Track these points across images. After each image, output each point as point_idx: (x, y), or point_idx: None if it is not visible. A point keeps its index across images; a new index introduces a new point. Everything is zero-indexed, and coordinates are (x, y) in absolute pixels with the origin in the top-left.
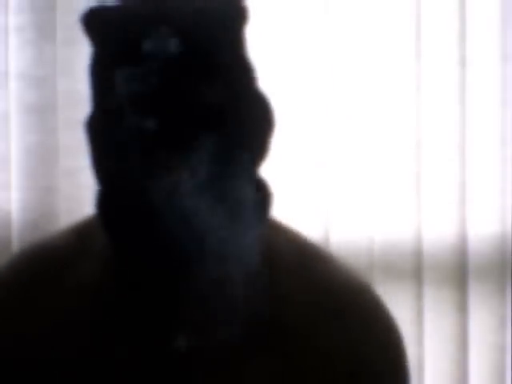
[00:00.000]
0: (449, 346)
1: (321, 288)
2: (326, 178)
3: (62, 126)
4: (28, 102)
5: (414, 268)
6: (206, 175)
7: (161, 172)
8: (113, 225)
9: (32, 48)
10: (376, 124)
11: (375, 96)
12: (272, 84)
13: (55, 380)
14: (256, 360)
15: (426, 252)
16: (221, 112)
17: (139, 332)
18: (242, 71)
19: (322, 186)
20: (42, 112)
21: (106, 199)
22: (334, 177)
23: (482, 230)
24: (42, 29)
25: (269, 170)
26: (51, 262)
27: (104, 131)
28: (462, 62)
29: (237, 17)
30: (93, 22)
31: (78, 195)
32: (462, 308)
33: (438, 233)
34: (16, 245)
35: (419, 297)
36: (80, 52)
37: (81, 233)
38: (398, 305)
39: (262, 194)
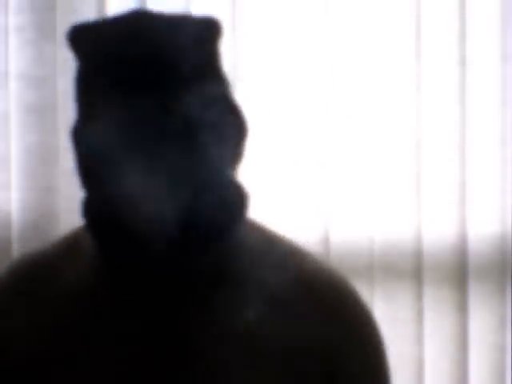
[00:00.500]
0: (449, 346)
1: (297, 278)
2: (325, 177)
3: (62, 126)
4: (28, 102)
5: (414, 268)
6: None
7: (145, 180)
8: (100, 231)
9: (32, 48)
10: (376, 124)
11: (375, 96)
12: (272, 84)
13: (45, 382)
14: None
15: (426, 252)
16: (195, 123)
17: (129, 335)
18: (216, 82)
19: (322, 186)
20: (41, 112)
21: (92, 207)
22: (333, 177)
23: (482, 230)
24: (42, 29)
25: (269, 170)
26: (42, 270)
27: (87, 142)
28: (462, 62)
29: (210, 32)
30: (77, 38)
31: (78, 195)
32: (462, 308)
33: (438, 233)
34: (16, 245)
35: (419, 297)
36: None
37: (70, 242)
38: (398, 305)
39: (238, 195)
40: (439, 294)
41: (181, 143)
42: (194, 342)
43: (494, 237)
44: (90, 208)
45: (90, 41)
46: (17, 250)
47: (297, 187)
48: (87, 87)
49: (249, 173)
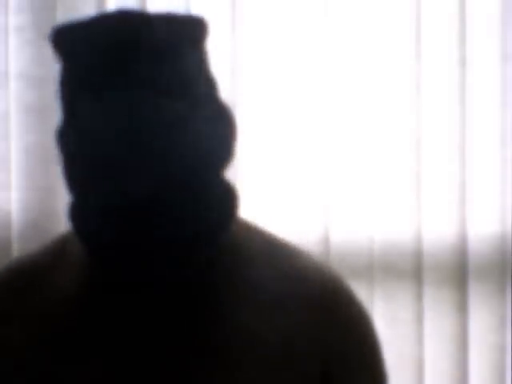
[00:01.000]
0: (449, 346)
1: (291, 277)
2: (325, 177)
3: None
4: (28, 102)
5: (414, 268)
6: (171, 186)
7: (130, 183)
8: (87, 235)
9: (32, 48)
10: (376, 124)
11: (375, 96)
12: (272, 84)
13: None
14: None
15: (426, 252)
16: (182, 124)
17: (117, 340)
18: (203, 84)
19: (322, 186)
20: (41, 112)
21: (77, 212)
22: (333, 177)
23: (482, 230)
24: (42, 29)
25: (268, 170)
26: (31, 276)
27: (73, 145)
28: (462, 62)
29: (196, 31)
30: (59, 39)
31: None
32: (462, 308)
33: (438, 233)
34: (16, 245)
35: (419, 297)
36: None
37: (57, 246)
38: (398, 305)
39: (227, 195)
40: (439, 294)
41: (167, 144)
42: (185, 349)
43: (493, 237)
44: (76, 214)
45: (71, 41)
46: (17, 250)
47: (296, 187)
48: (70, 88)
49: (248, 173)
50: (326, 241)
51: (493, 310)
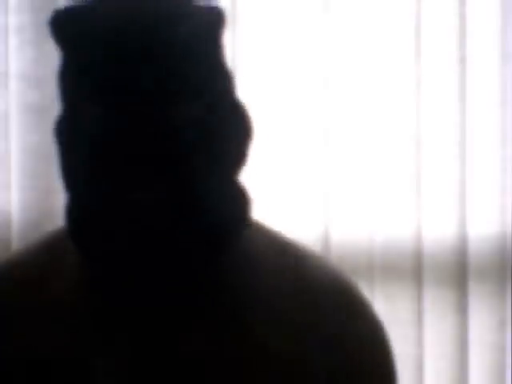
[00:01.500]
0: (449, 346)
1: (305, 288)
2: (325, 177)
3: None
4: (28, 102)
5: (414, 268)
6: (183, 189)
7: (135, 186)
8: (83, 238)
9: (32, 48)
10: (376, 123)
11: (375, 94)
12: (272, 82)
13: None
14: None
15: (426, 252)
16: (199, 125)
17: (115, 345)
18: (220, 81)
19: (322, 186)
20: (41, 112)
21: (75, 211)
22: (333, 176)
23: (482, 230)
24: (42, 29)
25: (268, 170)
26: (24, 281)
27: (73, 139)
28: (462, 61)
29: (213, 23)
30: (61, 25)
31: None
32: (462, 308)
33: (437, 233)
34: (16, 245)
35: (419, 297)
36: None
37: (50, 248)
38: (398, 305)
39: (241, 199)
40: (439, 295)
41: (175, 144)
42: (188, 353)
43: (493, 237)
44: (71, 215)
45: (75, 28)
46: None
47: (297, 187)
48: (71, 81)
49: (248, 172)
50: (326, 241)
51: (493, 310)
